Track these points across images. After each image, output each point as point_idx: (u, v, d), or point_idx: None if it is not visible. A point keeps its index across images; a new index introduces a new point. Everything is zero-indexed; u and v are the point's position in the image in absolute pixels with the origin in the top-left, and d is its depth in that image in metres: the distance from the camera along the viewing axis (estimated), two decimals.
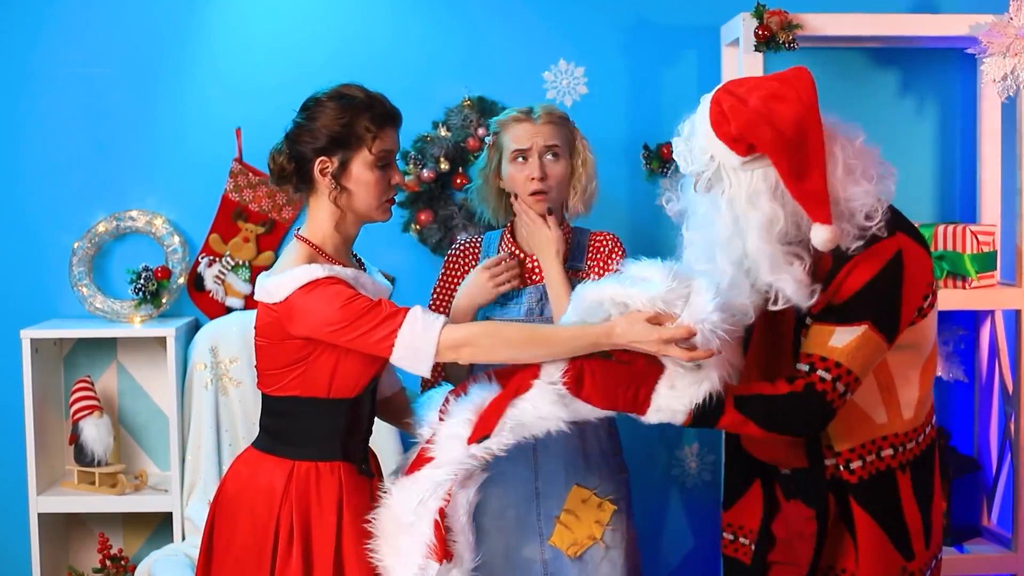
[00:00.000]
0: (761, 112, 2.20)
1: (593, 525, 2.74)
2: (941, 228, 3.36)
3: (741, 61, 3.30)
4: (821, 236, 2.20)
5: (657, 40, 3.62)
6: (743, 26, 3.28)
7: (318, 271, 2.34)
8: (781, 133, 2.19)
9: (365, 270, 2.59)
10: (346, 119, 2.44)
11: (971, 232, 3.32)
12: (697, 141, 2.28)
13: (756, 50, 3.26)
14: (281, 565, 2.38)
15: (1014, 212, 3.42)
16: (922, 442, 2.38)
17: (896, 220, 2.31)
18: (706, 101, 2.30)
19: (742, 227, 2.23)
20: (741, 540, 2.54)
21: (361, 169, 2.44)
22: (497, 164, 2.86)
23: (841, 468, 2.34)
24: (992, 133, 3.54)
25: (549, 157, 2.77)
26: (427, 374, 2.31)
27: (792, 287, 2.23)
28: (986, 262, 3.35)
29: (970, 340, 3.65)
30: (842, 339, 2.24)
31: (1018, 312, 3.38)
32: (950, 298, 3.31)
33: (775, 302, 2.26)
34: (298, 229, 2.51)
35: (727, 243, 2.25)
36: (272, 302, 2.38)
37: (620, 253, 2.82)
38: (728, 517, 2.56)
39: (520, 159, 2.78)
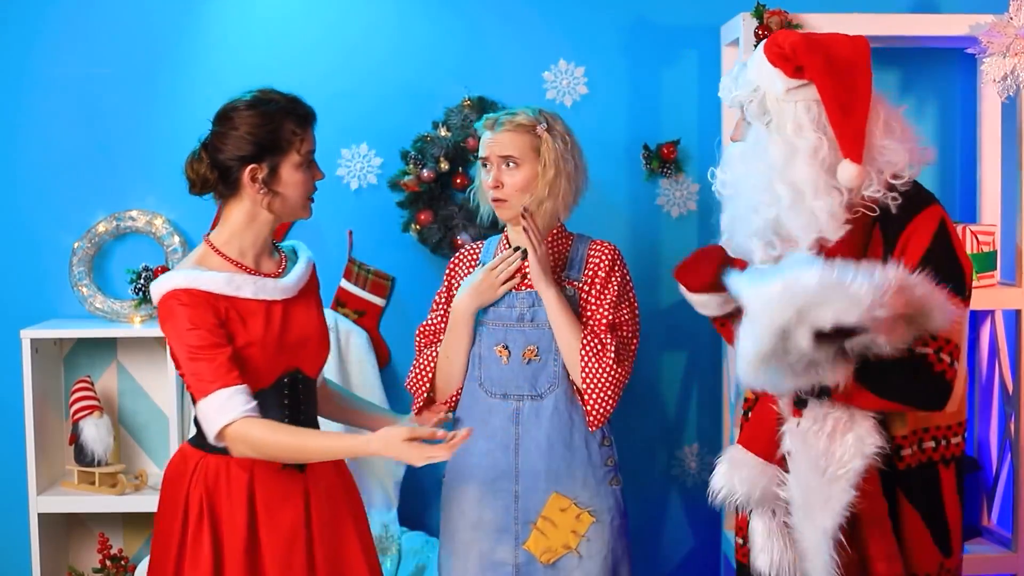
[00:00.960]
0: (816, 40, 2.30)
1: (569, 534, 2.72)
2: None
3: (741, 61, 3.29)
4: (848, 172, 2.25)
5: (657, 40, 3.62)
6: (743, 26, 3.28)
7: (175, 279, 2.48)
8: (832, 62, 2.26)
9: (289, 262, 2.70)
10: (271, 125, 2.52)
11: (971, 232, 3.32)
12: (745, 73, 2.36)
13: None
14: (193, 544, 2.50)
15: (1014, 212, 3.42)
16: (962, 440, 2.41)
17: (931, 195, 2.37)
18: (762, 41, 2.39)
19: (790, 154, 2.28)
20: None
21: (290, 172, 2.56)
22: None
23: (891, 454, 2.32)
24: (992, 133, 3.54)
25: (507, 166, 2.75)
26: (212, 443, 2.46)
27: (825, 217, 2.26)
28: (986, 262, 3.35)
29: (970, 340, 3.65)
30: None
31: (1018, 312, 3.38)
32: None
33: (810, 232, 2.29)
34: (207, 233, 2.62)
35: (782, 168, 2.28)
36: (155, 302, 2.53)
37: (619, 268, 2.79)
38: (741, 522, 2.55)
39: (484, 166, 2.80)
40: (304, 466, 2.58)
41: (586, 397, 2.73)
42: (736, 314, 2.36)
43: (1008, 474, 3.51)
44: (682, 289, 2.54)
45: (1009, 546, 3.42)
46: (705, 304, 2.52)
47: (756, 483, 2.32)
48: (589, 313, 2.77)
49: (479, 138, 3.52)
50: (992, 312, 3.54)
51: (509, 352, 2.76)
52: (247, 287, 2.52)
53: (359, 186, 3.61)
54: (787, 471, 2.30)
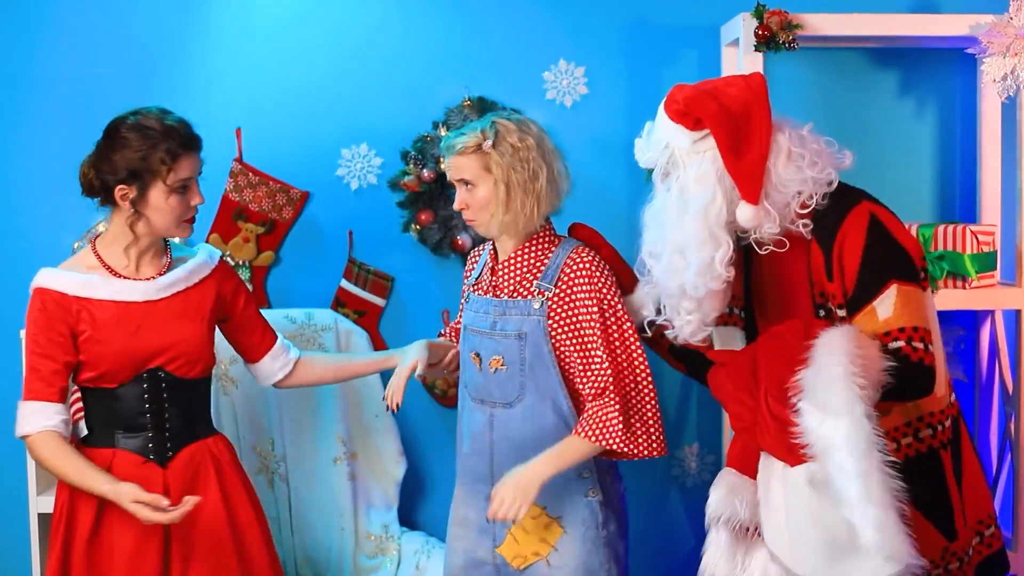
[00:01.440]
0: (708, 90, 2.35)
1: (539, 542, 2.70)
2: (941, 228, 3.36)
3: (741, 61, 3.30)
4: (745, 213, 2.33)
5: (657, 40, 3.62)
6: (743, 26, 3.28)
7: (41, 277, 2.76)
8: (725, 108, 2.31)
9: (176, 266, 2.81)
10: (142, 152, 2.65)
11: (971, 232, 3.33)
12: (654, 133, 2.42)
13: (756, 50, 3.26)
14: (54, 532, 2.74)
15: (1014, 212, 3.42)
16: (953, 420, 2.42)
17: (857, 193, 2.39)
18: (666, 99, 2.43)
19: (685, 209, 2.35)
20: None
21: (158, 197, 2.68)
22: None
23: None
24: (992, 133, 3.55)
25: (466, 188, 2.74)
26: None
27: (698, 266, 2.34)
28: (986, 262, 3.35)
29: (970, 340, 3.65)
30: (885, 308, 2.30)
31: (1018, 312, 3.38)
32: (950, 298, 3.31)
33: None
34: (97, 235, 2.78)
35: (675, 224, 2.36)
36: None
37: (597, 288, 2.65)
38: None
39: (458, 188, 2.78)
40: (165, 462, 2.74)
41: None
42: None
43: (1008, 474, 3.51)
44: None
45: (1009, 546, 3.42)
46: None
47: (756, 506, 2.32)
48: (580, 372, 2.67)
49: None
50: (992, 312, 3.54)
51: (480, 360, 2.75)
52: (102, 289, 2.71)
53: (359, 186, 3.61)
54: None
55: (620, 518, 2.79)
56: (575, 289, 2.66)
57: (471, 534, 2.79)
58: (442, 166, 2.83)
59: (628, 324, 2.66)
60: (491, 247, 2.84)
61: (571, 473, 2.68)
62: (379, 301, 3.62)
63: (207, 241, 3.58)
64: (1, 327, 3.56)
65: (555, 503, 2.70)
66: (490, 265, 2.80)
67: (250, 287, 3.59)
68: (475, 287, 2.82)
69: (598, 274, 2.67)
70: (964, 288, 3.34)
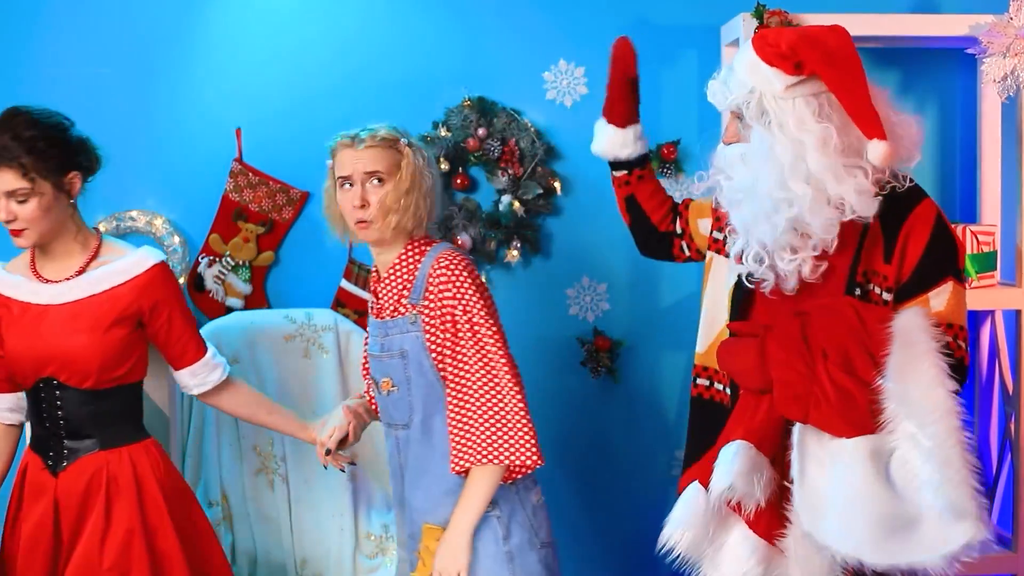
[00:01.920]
0: (808, 34, 2.32)
1: None
2: None
3: None
4: (878, 151, 2.24)
5: (657, 40, 3.62)
6: (743, 26, 3.28)
7: None
8: (830, 52, 2.28)
9: (88, 270, 2.78)
10: None
11: (971, 232, 3.33)
12: (736, 76, 2.34)
13: None
14: None
15: (1014, 212, 3.42)
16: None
17: (919, 188, 2.40)
18: (745, 44, 2.38)
19: (799, 151, 2.28)
20: (717, 386, 2.58)
21: None
22: (334, 191, 2.70)
23: None
24: (992, 133, 3.55)
25: (373, 183, 2.63)
26: None
27: (855, 197, 2.26)
28: (986, 262, 3.35)
29: (970, 340, 3.65)
30: (939, 301, 2.32)
31: (1018, 312, 3.38)
32: None
33: (843, 214, 2.29)
34: None
35: (793, 166, 2.28)
36: None
37: (461, 293, 2.54)
38: (701, 359, 2.62)
39: (347, 185, 2.65)
40: (56, 471, 2.75)
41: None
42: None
43: (1008, 474, 3.51)
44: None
45: (1009, 546, 3.42)
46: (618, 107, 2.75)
47: (769, 487, 2.30)
48: (450, 375, 2.56)
49: (480, 139, 3.54)
50: (992, 312, 3.55)
51: (376, 383, 2.69)
52: (22, 289, 2.75)
53: None
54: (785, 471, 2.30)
55: (535, 528, 2.68)
56: (438, 298, 2.56)
57: (406, 555, 2.75)
58: (340, 157, 2.68)
59: (491, 330, 2.55)
60: (375, 268, 2.71)
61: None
62: None
63: (207, 241, 3.58)
64: None
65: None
66: (373, 287, 2.70)
67: (250, 287, 3.59)
68: (371, 310, 2.73)
69: (459, 277, 2.56)
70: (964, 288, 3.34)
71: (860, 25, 3.35)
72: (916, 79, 3.67)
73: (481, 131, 3.54)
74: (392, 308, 2.63)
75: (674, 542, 2.36)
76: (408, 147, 2.65)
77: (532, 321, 3.66)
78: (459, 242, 3.56)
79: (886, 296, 2.35)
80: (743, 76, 2.33)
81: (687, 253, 2.83)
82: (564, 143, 3.63)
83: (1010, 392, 3.45)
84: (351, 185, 2.63)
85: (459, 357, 2.54)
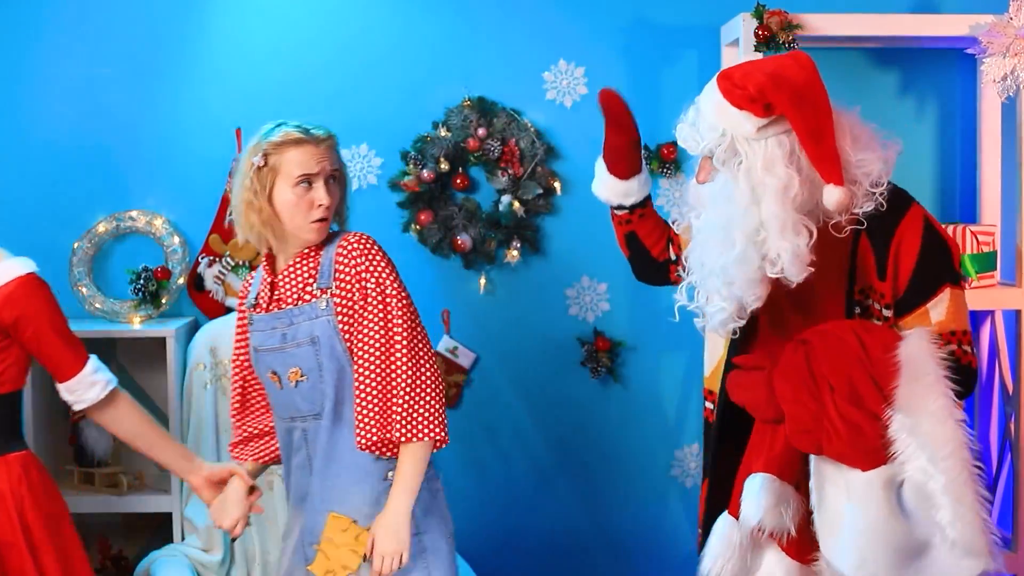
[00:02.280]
0: (776, 74, 2.26)
1: (349, 554, 2.57)
2: None
3: (741, 61, 3.29)
4: (834, 197, 2.24)
5: (657, 40, 3.62)
6: (743, 26, 3.28)
7: None
8: (798, 92, 2.24)
9: None
10: None
11: (971, 232, 3.32)
12: (705, 120, 2.31)
13: (756, 50, 3.26)
14: None
15: (1014, 212, 3.42)
16: None
17: (905, 193, 2.39)
18: (710, 85, 2.33)
19: (758, 195, 2.26)
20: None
21: None
22: (271, 188, 2.59)
23: None
24: (992, 133, 3.54)
25: (332, 181, 2.59)
26: None
27: (789, 257, 2.25)
28: (986, 262, 3.35)
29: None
30: (939, 311, 2.31)
31: (1018, 312, 3.38)
32: None
33: (773, 271, 2.28)
34: None
35: (744, 214, 2.26)
36: None
37: (371, 265, 2.53)
38: (708, 383, 2.63)
39: (304, 184, 2.58)
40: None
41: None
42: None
43: (1008, 474, 3.51)
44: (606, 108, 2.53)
45: (1009, 546, 3.41)
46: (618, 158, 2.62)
47: (798, 514, 2.29)
48: (368, 350, 2.51)
49: (480, 139, 3.53)
50: (992, 312, 3.54)
51: (279, 377, 2.60)
52: None
53: (359, 186, 3.61)
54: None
55: (445, 519, 2.65)
56: (353, 276, 2.53)
57: (289, 553, 2.70)
58: (296, 155, 2.61)
59: (406, 302, 2.54)
60: (266, 263, 2.66)
61: (376, 477, 2.56)
62: None
63: (207, 241, 3.58)
64: None
65: (363, 511, 2.56)
66: (268, 280, 2.63)
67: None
68: (255, 308, 2.64)
69: (369, 252, 2.54)
70: (964, 288, 3.34)
71: (860, 25, 3.35)
72: (916, 79, 3.67)
73: (481, 131, 3.54)
74: (296, 297, 2.57)
75: (715, 574, 2.34)
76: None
77: (532, 321, 3.66)
78: (459, 242, 3.56)
79: (886, 312, 2.34)
80: (712, 119, 2.29)
81: (684, 277, 2.81)
82: (564, 143, 3.63)
83: (1010, 392, 3.45)
84: (309, 184, 2.58)
85: (376, 331, 2.51)
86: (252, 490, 2.74)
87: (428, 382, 2.51)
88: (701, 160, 2.36)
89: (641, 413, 3.70)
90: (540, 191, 3.58)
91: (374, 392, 2.50)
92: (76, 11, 3.56)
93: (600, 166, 2.66)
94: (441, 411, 2.51)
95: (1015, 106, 3.37)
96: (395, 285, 2.53)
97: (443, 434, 2.51)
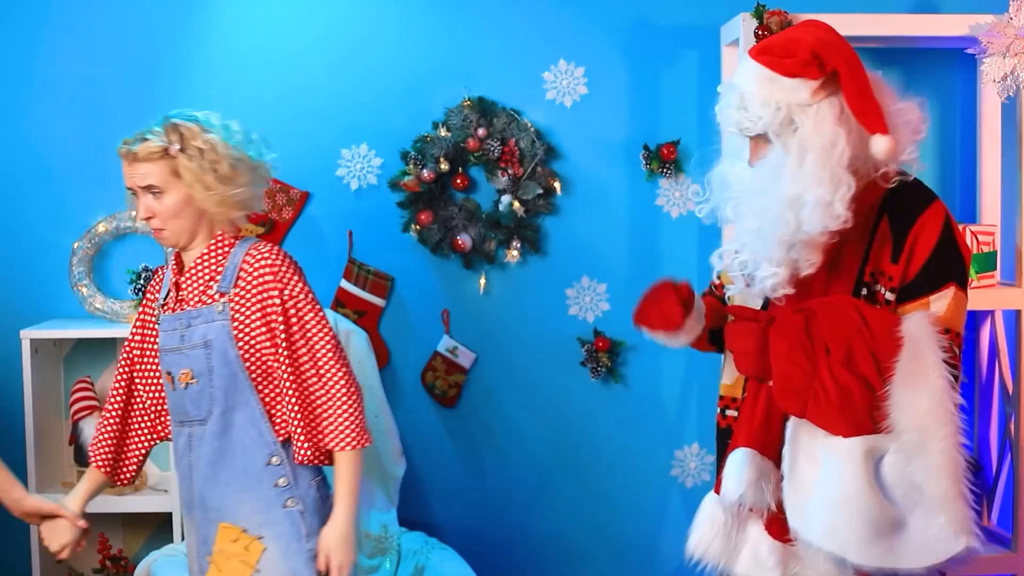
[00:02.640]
0: (817, 36, 2.31)
1: (239, 566, 2.55)
2: None
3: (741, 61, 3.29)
4: (883, 145, 2.26)
5: (657, 40, 3.62)
6: (743, 26, 3.28)
7: None
8: (841, 50, 2.29)
9: None
10: None
11: (971, 232, 3.33)
12: (755, 99, 2.32)
13: None
14: None
15: (1014, 212, 3.42)
16: None
17: (930, 190, 2.39)
18: (748, 66, 2.34)
19: (804, 156, 2.28)
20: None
21: None
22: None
23: None
24: (992, 133, 3.54)
25: (153, 195, 2.55)
26: None
27: (814, 205, 2.25)
28: (986, 262, 3.35)
29: (970, 340, 3.65)
30: (940, 305, 2.30)
31: (1018, 312, 3.38)
32: None
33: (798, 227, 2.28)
34: None
35: (791, 177, 2.27)
36: None
37: (284, 283, 2.52)
38: (729, 391, 2.57)
39: (134, 194, 2.60)
40: None
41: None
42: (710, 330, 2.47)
43: (1008, 474, 3.51)
44: (646, 331, 2.46)
45: (1009, 546, 3.42)
46: (674, 340, 2.50)
47: (778, 490, 2.30)
48: (285, 376, 2.53)
49: (480, 139, 3.54)
50: (992, 312, 3.54)
51: (172, 378, 2.59)
52: None
53: (359, 186, 3.61)
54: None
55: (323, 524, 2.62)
56: (256, 285, 2.52)
57: (192, 564, 2.68)
58: (123, 166, 2.58)
59: (319, 315, 2.55)
60: (173, 262, 2.65)
61: (266, 484, 2.56)
62: (379, 301, 3.62)
63: None
64: (1, 327, 3.56)
65: (254, 519, 2.55)
66: (174, 280, 2.62)
67: None
68: (164, 307, 2.63)
69: (281, 266, 2.54)
70: None
71: (860, 25, 3.35)
72: (916, 79, 3.65)
73: (481, 131, 3.54)
74: (196, 298, 2.56)
75: (701, 552, 2.37)
76: (182, 152, 2.53)
77: (532, 321, 3.66)
78: (459, 242, 3.56)
79: (889, 296, 2.35)
80: (764, 96, 2.31)
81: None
82: (564, 143, 3.63)
83: (1010, 392, 3.45)
84: (136, 196, 2.59)
85: (300, 346, 2.52)
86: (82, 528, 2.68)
87: (354, 391, 2.56)
88: (751, 142, 2.36)
89: (641, 413, 3.70)
90: (540, 191, 3.58)
91: (303, 406, 2.53)
92: (76, 11, 3.56)
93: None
94: (363, 416, 2.59)
95: (1015, 106, 3.37)
96: (309, 299, 2.55)
97: (370, 439, 2.60)
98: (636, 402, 3.70)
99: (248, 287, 2.53)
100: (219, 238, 2.59)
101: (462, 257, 3.61)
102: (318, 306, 2.57)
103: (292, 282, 2.54)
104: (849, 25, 3.34)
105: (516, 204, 3.57)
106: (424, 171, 3.53)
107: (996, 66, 3.21)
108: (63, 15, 3.56)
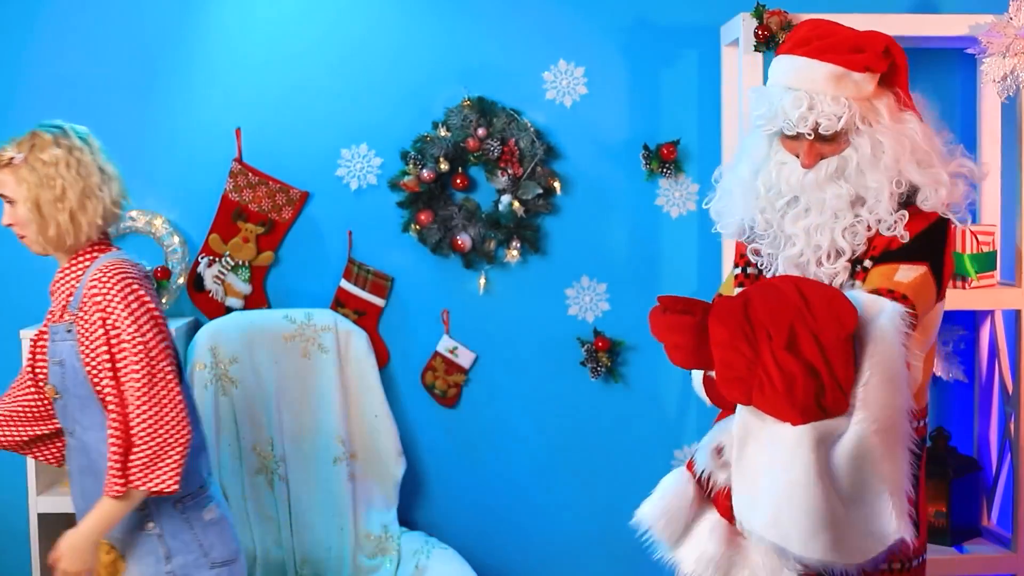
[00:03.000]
0: (872, 31, 2.44)
1: None
2: None
3: (741, 61, 3.29)
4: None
5: (657, 40, 3.62)
6: (743, 26, 3.28)
7: None
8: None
9: None
10: None
11: (971, 232, 3.32)
12: (825, 98, 2.32)
13: (756, 50, 3.26)
14: None
15: (1014, 212, 3.42)
16: (917, 431, 2.39)
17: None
18: (810, 65, 2.36)
19: (878, 147, 2.32)
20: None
21: None
22: None
23: None
24: (992, 133, 3.54)
25: (9, 204, 2.54)
26: None
27: (893, 196, 2.30)
28: (986, 262, 3.35)
29: (970, 340, 3.65)
30: (907, 275, 2.27)
31: (1018, 312, 3.38)
32: (950, 298, 3.31)
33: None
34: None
35: (895, 159, 2.32)
36: None
37: (107, 304, 2.46)
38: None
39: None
40: None
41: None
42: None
43: (1008, 474, 3.51)
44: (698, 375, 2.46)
45: (1009, 546, 3.41)
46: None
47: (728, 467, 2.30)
48: (101, 393, 2.49)
49: (479, 139, 3.54)
50: (992, 312, 3.54)
51: (54, 390, 2.59)
52: None
53: (359, 186, 3.61)
54: None
55: (205, 548, 2.60)
56: (92, 308, 2.47)
57: None
58: None
59: (142, 347, 2.46)
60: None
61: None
62: (379, 301, 3.62)
63: (207, 241, 3.58)
64: (1, 327, 3.56)
65: (118, 538, 2.56)
66: (51, 290, 2.61)
67: (250, 287, 3.59)
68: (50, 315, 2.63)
69: (109, 292, 2.47)
70: (964, 288, 3.34)
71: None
72: (916, 79, 3.65)
73: (481, 131, 3.54)
74: (59, 314, 2.56)
75: (652, 523, 2.35)
76: (25, 162, 2.52)
77: (532, 321, 3.66)
78: (459, 242, 3.56)
79: (867, 264, 2.33)
80: (835, 93, 2.33)
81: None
82: (564, 143, 3.63)
83: (1010, 392, 3.44)
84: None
85: (116, 375, 2.46)
86: None
87: (165, 431, 2.45)
88: (807, 144, 2.34)
89: (641, 413, 3.70)
90: (540, 191, 3.58)
91: (112, 439, 2.45)
92: (76, 11, 3.56)
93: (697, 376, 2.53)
94: (178, 460, 2.45)
95: (1015, 106, 3.37)
96: (132, 329, 2.46)
97: (174, 486, 2.45)
98: (636, 402, 3.69)
99: (87, 309, 2.49)
100: (82, 253, 2.57)
101: (462, 257, 3.61)
102: (142, 336, 2.46)
103: (115, 309, 2.46)
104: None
105: (516, 204, 3.57)
106: (424, 171, 3.53)
107: (996, 66, 3.21)
108: (62, 15, 3.56)
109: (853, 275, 2.35)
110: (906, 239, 2.31)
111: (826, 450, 2.12)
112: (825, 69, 2.33)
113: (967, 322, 3.65)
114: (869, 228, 2.32)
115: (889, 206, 2.31)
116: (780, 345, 2.11)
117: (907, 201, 2.34)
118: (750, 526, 2.15)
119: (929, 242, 2.32)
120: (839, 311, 2.13)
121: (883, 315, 2.16)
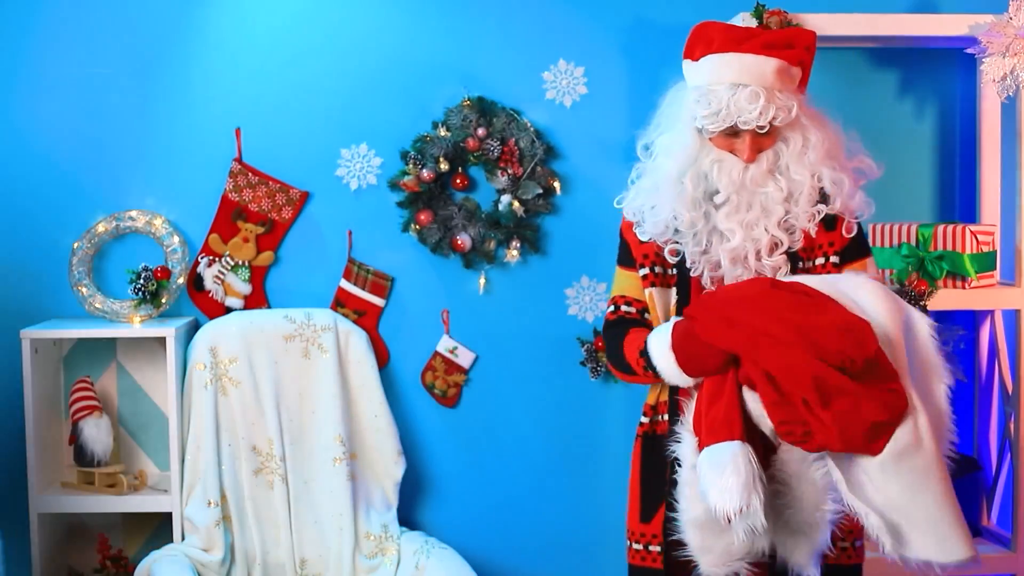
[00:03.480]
0: (787, 29, 2.58)
1: None
2: (941, 228, 3.36)
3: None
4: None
5: (657, 40, 3.62)
6: (742, 26, 3.28)
7: None
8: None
9: None
10: None
11: (971, 232, 3.32)
12: (775, 92, 2.39)
13: None
14: None
15: (1014, 212, 3.42)
16: None
17: None
18: (753, 62, 2.41)
19: (811, 146, 2.44)
20: (651, 548, 2.55)
21: None
22: None
23: None
24: (992, 133, 3.54)
25: None
26: None
27: (815, 191, 2.44)
28: (986, 262, 3.35)
29: (970, 340, 3.65)
30: (874, 267, 2.53)
31: (1018, 312, 3.38)
32: (950, 298, 3.31)
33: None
34: None
35: (799, 161, 2.43)
36: None
37: None
38: (643, 528, 2.56)
39: None
40: None
41: None
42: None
43: (1008, 474, 3.51)
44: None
45: (1009, 546, 3.42)
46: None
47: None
48: None
49: (479, 139, 3.54)
50: (992, 312, 3.54)
51: None
52: None
53: (359, 186, 3.61)
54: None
55: None
56: None
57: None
58: None
59: None
60: None
61: None
62: (379, 301, 3.62)
63: (207, 241, 3.58)
64: (1, 327, 3.56)
65: None
66: None
67: (250, 287, 3.59)
68: None
69: None
70: (964, 288, 3.34)
71: (860, 25, 3.35)
72: (916, 79, 3.67)
73: (481, 131, 3.54)
74: None
75: (740, 502, 2.18)
76: None
77: (531, 321, 3.66)
78: (459, 242, 3.56)
79: (833, 259, 2.44)
80: (779, 86, 2.40)
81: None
82: (564, 143, 3.63)
83: (1010, 392, 3.45)
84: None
85: None
86: None
87: None
88: (750, 138, 2.41)
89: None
90: (540, 191, 3.58)
91: None
92: (76, 11, 3.55)
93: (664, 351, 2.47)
94: None
95: (1015, 106, 3.37)
96: None
97: None
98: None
99: None
100: None
101: (462, 257, 3.61)
102: None
103: None
104: (849, 25, 3.34)
105: (516, 204, 3.57)
106: (424, 171, 3.53)
107: (996, 66, 3.21)
108: (63, 15, 3.55)
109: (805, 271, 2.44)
110: (853, 233, 2.46)
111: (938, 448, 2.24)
112: (773, 64, 2.40)
113: (967, 322, 3.65)
114: (798, 220, 2.42)
115: (809, 200, 2.41)
116: (817, 405, 2.14)
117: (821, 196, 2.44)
118: (926, 554, 2.19)
119: (863, 235, 2.50)
120: (856, 333, 2.18)
121: (915, 317, 2.31)
